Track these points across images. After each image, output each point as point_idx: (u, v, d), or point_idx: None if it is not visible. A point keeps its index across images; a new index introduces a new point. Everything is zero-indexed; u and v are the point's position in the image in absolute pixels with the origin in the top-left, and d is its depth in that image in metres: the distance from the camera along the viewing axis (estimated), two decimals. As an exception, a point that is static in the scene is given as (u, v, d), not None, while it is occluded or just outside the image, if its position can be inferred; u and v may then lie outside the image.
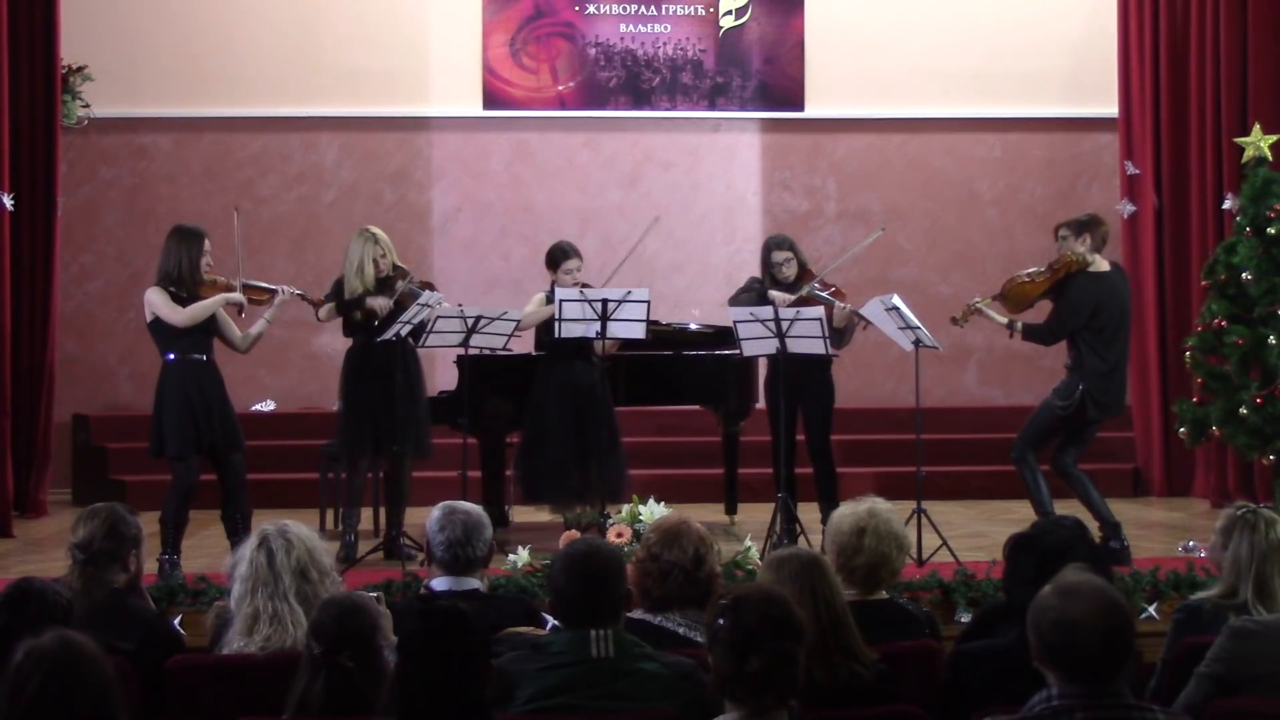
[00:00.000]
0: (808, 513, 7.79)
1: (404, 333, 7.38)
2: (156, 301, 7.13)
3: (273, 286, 7.48)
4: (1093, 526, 7.16)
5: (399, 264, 7.72)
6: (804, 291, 7.80)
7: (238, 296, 7.25)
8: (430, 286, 7.71)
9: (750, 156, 11.63)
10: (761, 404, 8.37)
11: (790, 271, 7.95)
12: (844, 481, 8.18)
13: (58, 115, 9.66)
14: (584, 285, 7.89)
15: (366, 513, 7.97)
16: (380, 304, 7.53)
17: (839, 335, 7.77)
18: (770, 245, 8.11)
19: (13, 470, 9.00)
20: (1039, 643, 3.20)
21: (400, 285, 7.55)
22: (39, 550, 8.05)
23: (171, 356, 7.16)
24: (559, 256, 7.97)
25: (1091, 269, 7.44)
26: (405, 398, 7.49)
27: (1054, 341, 7.68)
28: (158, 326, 7.16)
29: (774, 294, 7.83)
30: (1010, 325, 7.57)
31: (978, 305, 7.60)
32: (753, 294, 7.95)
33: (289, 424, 10.47)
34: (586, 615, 3.74)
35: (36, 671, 2.97)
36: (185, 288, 7.15)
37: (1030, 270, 7.60)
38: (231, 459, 7.21)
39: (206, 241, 7.23)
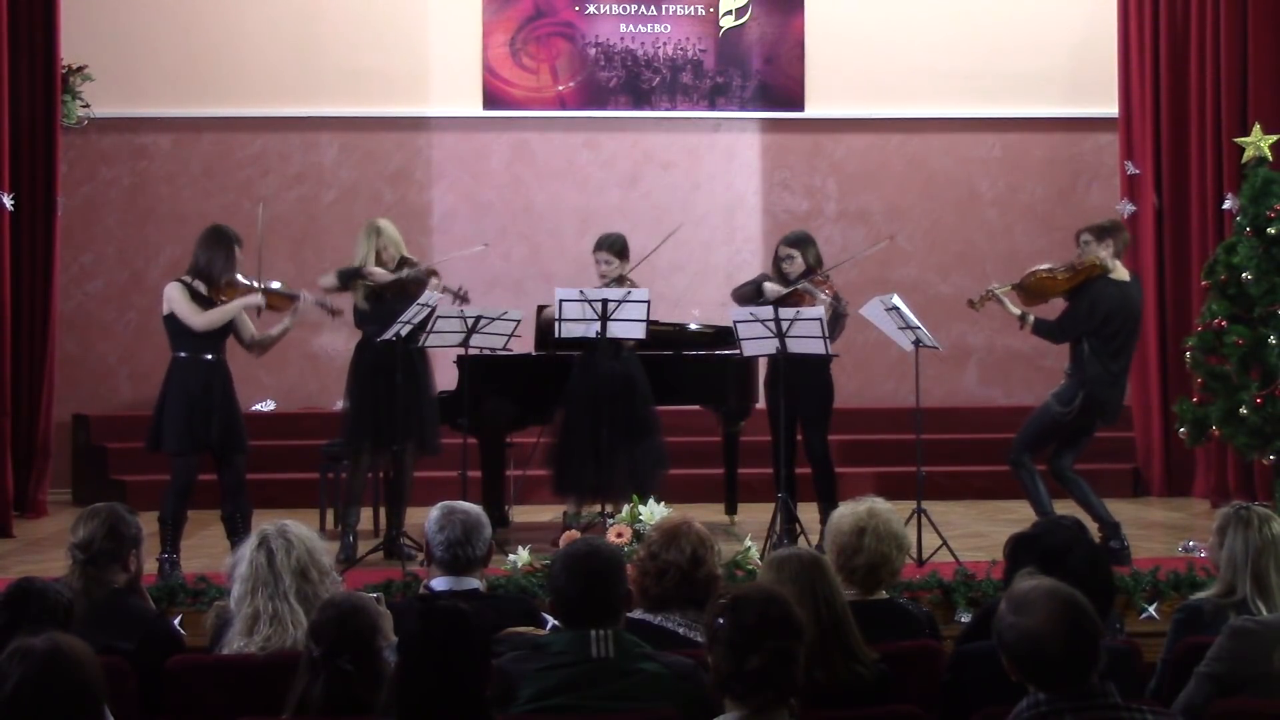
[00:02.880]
0: (808, 513, 7.79)
1: (404, 333, 7.40)
2: (176, 299, 7.14)
3: (293, 293, 7.47)
4: (1091, 529, 7.19)
5: (406, 255, 7.76)
6: (799, 285, 7.82)
7: (257, 299, 7.25)
8: (434, 274, 7.75)
9: (750, 156, 11.63)
10: (761, 404, 8.38)
11: (792, 269, 7.94)
12: (844, 481, 8.18)
13: (58, 115, 9.65)
14: (630, 283, 7.89)
15: (366, 513, 7.97)
16: (379, 274, 7.59)
17: (830, 326, 7.71)
18: (781, 241, 8.14)
19: (13, 470, 8.99)
20: (1008, 660, 3.22)
21: (406, 271, 7.59)
22: (39, 550, 8.05)
23: (182, 354, 7.17)
24: (595, 245, 8.07)
25: (1112, 275, 7.43)
26: (410, 396, 7.51)
27: (1061, 339, 7.67)
28: (173, 322, 7.16)
29: (768, 285, 7.87)
30: (1022, 318, 7.56)
31: (996, 292, 7.58)
32: (751, 286, 8.01)
33: (289, 424, 10.47)
34: (587, 615, 3.74)
35: (16, 669, 2.99)
36: (209, 287, 7.19)
37: (1051, 265, 7.59)
38: (234, 459, 7.22)
39: (238, 249, 7.25)
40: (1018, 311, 7.57)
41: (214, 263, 7.17)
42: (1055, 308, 7.66)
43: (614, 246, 8.00)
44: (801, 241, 8.05)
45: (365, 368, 7.67)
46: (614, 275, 7.93)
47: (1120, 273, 7.49)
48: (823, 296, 7.74)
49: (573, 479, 7.95)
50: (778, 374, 7.66)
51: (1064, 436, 7.50)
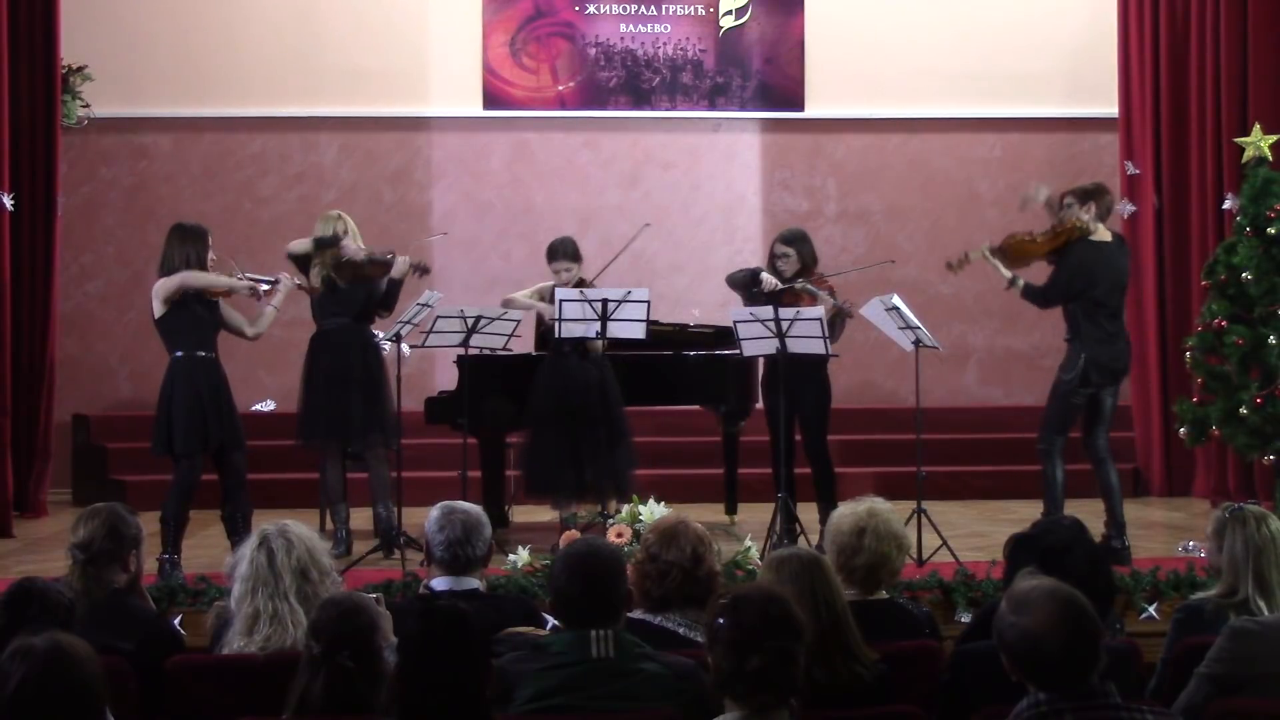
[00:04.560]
0: (808, 513, 7.79)
1: (405, 332, 7.44)
2: (170, 283, 7.12)
3: (273, 278, 7.53)
4: (1099, 521, 7.18)
5: (362, 246, 7.84)
6: (797, 284, 7.81)
7: (247, 284, 7.32)
8: (395, 254, 7.82)
9: (750, 156, 11.63)
10: (761, 404, 8.37)
11: (787, 267, 7.94)
12: (844, 481, 8.18)
13: (58, 115, 9.65)
14: (588, 284, 7.89)
15: (365, 513, 7.97)
16: (352, 247, 7.69)
17: (831, 326, 7.72)
18: (776, 239, 8.13)
19: (13, 470, 8.99)
20: (1008, 659, 3.22)
21: (365, 255, 7.72)
22: (39, 550, 8.05)
23: (179, 354, 7.16)
24: (549, 254, 8.00)
25: (1093, 238, 7.42)
26: (365, 394, 7.62)
27: (1046, 305, 7.68)
28: (165, 323, 7.17)
29: (765, 276, 7.88)
30: (1012, 281, 7.55)
31: (978, 255, 7.56)
32: (747, 272, 8.01)
33: (289, 424, 10.41)
34: (587, 615, 3.74)
35: (18, 669, 2.99)
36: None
37: (1031, 230, 7.60)
38: (232, 457, 7.23)
39: (209, 237, 7.28)
40: (1008, 273, 7.56)
41: (189, 258, 7.16)
42: (1040, 273, 7.65)
43: (570, 252, 7.94)
44: (796, 239, 8.04)
45: (317, 359, 7.79)
46: (574, 281, 7.89)
47: (1101, 234, 7.47)
48: (825, 296, 7.74)
49: (548, 480, 7.92)
50: (776, 374, 7.65)
51: (1085, 410, 7.48)
